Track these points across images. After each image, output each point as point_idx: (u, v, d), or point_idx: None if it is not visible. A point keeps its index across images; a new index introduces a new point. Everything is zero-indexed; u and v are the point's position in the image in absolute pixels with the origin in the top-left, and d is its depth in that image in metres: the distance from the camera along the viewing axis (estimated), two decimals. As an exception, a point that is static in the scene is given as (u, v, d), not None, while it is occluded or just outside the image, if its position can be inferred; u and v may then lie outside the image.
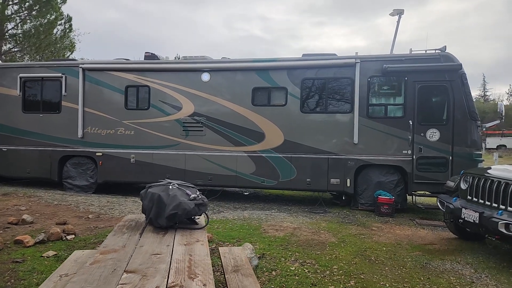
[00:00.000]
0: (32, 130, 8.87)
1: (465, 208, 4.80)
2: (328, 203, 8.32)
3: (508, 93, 62.39)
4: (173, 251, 2.50)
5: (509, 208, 4.31)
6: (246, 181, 7.96)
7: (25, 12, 15.32)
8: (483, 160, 7.53)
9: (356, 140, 7.52)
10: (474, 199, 4.91)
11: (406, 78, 7.39)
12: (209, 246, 4.94)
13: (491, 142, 35.90)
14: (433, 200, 7.63)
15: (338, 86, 7.80)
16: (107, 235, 3.04)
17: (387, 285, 3.80)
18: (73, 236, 5.12)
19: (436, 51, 7.46)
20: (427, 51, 7.54)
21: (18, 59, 16.70)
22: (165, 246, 2.61)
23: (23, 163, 8.91)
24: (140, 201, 3.36)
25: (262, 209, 7.59)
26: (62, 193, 8.51)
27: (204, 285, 1.98)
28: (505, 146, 36.24)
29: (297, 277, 3.91)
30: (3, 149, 9.01)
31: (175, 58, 10.02)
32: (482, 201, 4.74)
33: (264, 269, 4.14)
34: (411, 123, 7.31)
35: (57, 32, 16.83)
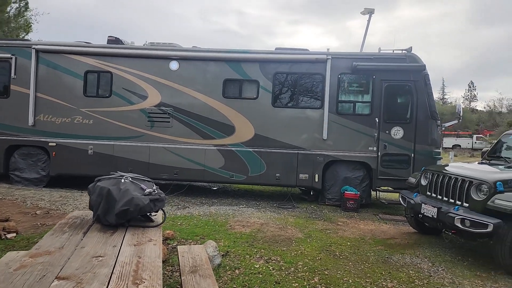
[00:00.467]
0: (-26, 116, 7.97)
1: (425, 204, 4.96)
2: (297, 198, 8.28)
3: (463, 97, 66.82)
4: (120, 252, 2.22)
5: (464, 204, 4.50)
6: (214, 176, 7.70)
7: None
8: (442, 158, 7.82)
9: (325, 136, 7.50)
10: (433, 194, 5.09)
11: (374, 77, 7.48)
12: (170, 244, 4.70)
13: (448, 142, 38.65)
14: (395, 196, 7.82)
15: (309, 82, 7.74)
16: (53, 234, 2.70)
17: (350, 280, 3.83)
18: (15, 234, 4.63)
19: (403, 51, 7.63)
20: (394, 51, 7.66)
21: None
22: (111, 247, 2.32)
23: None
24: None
25: (229, 204, 7.39)
26: (8, 186, 7.75)
27: (150, 291, 1.73)
28: (459, 145, 38.96)
29: (261, 275, 3.81)
30: None
31: (143, 45, 9.38)
32: (440, 197, 4.93)
33: (227, 267, 3.98)
34: (377, 120, 7.43)
35: (10, 10, 15.39)
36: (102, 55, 7.81)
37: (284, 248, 4.66)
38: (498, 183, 4.17)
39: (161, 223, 2.93)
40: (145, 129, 7.75)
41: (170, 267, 3.92)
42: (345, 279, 3.83)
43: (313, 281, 3.73)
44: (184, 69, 7.75)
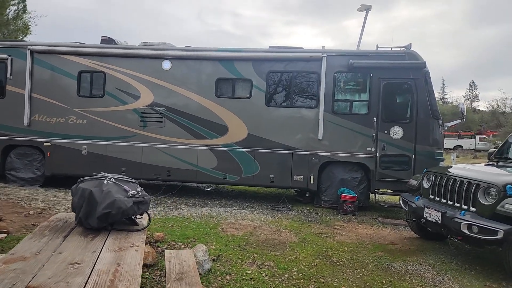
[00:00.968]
0: (-29, 116, 7.97)
1: (428, 208, 4.71)
2: (292, 200, 8.15)
3: (464, 97, 66.34)
4: (98, 259, 2.14)
5: (471, 208, 4.24)
6: (207, 176, 7.60)
7: None
8: (444, 159, 7.65)
9: (320, 136, 7.37)
10: (437, 198, 4.83)
11: (371, 75, 7.33)
12: (160, 247, 4.61)
13: (449, 142, 37.90)
14: (395, 198, 7.67)
15: (304, 80, 7.61)
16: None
17: (348, 289, 3.60)
18: (5, 235, 4.53)
19: (402, 48, 7.46)
20: (393, 48, 7.51)
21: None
22: (89, 253, 2.24)
23: (-41, 152, 7.99)
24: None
25: (222, 206, 7.28)
26: (3, 186, 7.74)
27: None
28: (461, 146, 38.38)
29: (253, 282, 3.62)
30: None
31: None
32: (445, 201, 4.67)
33: (218, 273, 3.82)
34: (375, 120, 7.26)
35: (9, 12, 15.38)
36: (95, 55, 7.78)
37: (278, 253, 4.48)
38: (508, 186, 3.92)
39: (146, 227, 2.86)
40: (138, 129, 7.69)
41: (158, 272, 3.79)
42: (343, 287, 3.65)
43: (308, 289, 3.53)
44: (177, 69, 7.67)
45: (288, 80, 7.63)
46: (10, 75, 7.87)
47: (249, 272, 3.87)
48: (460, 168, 5.09)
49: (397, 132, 7.29)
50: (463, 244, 4.90)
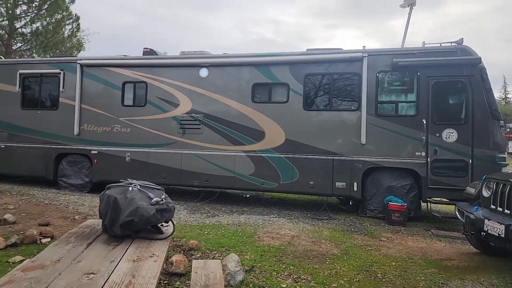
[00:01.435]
0: (30, 127, 8.70)
1: (488, 219, 4.15)
2: (334, 208, 7.73)
3: (531, 96, 59.72)
4: (115, 269, 2.05)
5: None
6: (245, 183, 7.47)
7: (33, 11, 15.43)
8: (508, 164, 6.77)
9: (363, 140, 6.92)
10: (499, 208, 4.25)
11: (418, 73, 6.76)
12: (194, 255, 4.53)
13: (512, 146, 34.00)
14: (451, 208, 6.94)
15: (344, 82, 7.22)
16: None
17: (394, 310, 3.21)
18: (50, 239, 4.75)
19: (452, 44, 6.80)
20: (442, 44, 6.87)
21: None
22: (108, 262, 2.16)
23: (19, 160, 8.74)
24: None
25: (260, 213, 7.08)
26: (56, 191, 8.27)
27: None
28: (527, 150, 34.33)
29: None
30: (1, 146, 8.86)
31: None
32: (508, 211, 4.09)
33: (250, 285, 3.60)
34: (424, 122, 6.66)
35: (65, 31, 16.89)
36: (137, 66, 8.10)
37: (317, 266, 4.16)
38: None
39: (169, 235, 2.75)
40: (177, 136, 7.81)
41: (189, 282, 3.71)
42: (388, 307, 3.24)
43: (349, 308, 3.20)
44: (214, 76, 7.70)
45: (327, 82, 7.29)
46: (63, 88, 8.47)
47: (284, 286, 3.60)
48: None
49: (450, 135, 6.61)
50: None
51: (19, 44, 16.55)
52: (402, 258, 4.64)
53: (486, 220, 4.16)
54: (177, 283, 3.36)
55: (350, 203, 7.40)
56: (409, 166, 6.77)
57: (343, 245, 5.04)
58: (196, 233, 5.30)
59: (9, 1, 14.85)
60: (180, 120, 7.81)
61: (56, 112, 8.57)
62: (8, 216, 5.53)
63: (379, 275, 4.01)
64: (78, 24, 17.15)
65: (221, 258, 4.27)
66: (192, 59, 7.80)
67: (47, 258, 2.17)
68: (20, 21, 15.52)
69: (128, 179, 2.93)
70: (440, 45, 6.86)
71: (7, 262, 3.86)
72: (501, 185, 4.27)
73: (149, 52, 8.37)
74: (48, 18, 15.42)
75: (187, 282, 3.64)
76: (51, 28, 15.67)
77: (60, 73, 8.50)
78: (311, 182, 7.15)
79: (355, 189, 6.97)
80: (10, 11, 14.75)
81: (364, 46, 7.14)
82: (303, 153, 7.20)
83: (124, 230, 2.51)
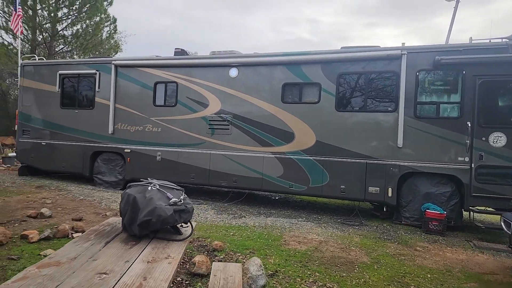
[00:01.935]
0: (68, 126, 9.10)
1: None
2: (366, 214, 7.36)
3: None
4: (128, 270, 1.98)
5: None
6: (273, 185, 7.31)
7: (74, 14, 16.31)
8: None
9: (400, 143, 6.51)
10: None
11: (464, 72, 6.24)
12: (218, 256, 4.45)
13: None
14: (496, 218, 6.36)
15: (380, 82, 6.84)
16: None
17: (429, 328, 2.94)
18: (80, 234, 4.87)
19: (503, 40, 6.20)
20: (492, 40, 6.30)
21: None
22: (122, 262, 2.10)
23: (59, 157, 9.18)
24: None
25: (288, 216, 6.89)
26: (91, 188, 8.58)
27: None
28: None
29: None
30: (42, 143, 9.35)
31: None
32: None
33: (273, 291, 3.48)
34: (469, 125, 6.14)
35: (103, 33, 17.69)
36: (168, 66, 8.21)
37: (344, 274, 3.95)
38: None
39: (187, 237, 2.66)
40: (206, 136, 7.81)
41: (210, 284, 3.62)
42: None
43: (376, 322, 2.99)
44: (243, 76, 7.61)
45: (361, 82, 6.95)
46: (98, 88, 8.78)
47: (308, 293, 3.44)
48: None
49: (498, 139, 6.04)
50: None
51: (61, 46, 17.63)
52: (439, 270, 4.32)
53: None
54: (198, 284, 3.28)
55: (384, 209, 7.00)
56: (450, 172, 6.28)
57: (374, 253, 4.77)
58: (221, 234, 5.24)
59: (52, 5, 15.83)
60: (209, 120, 7.81)
61: (92, 111, 8.91)
62: (44, 210, 5.78)
63: (412, 287, 3.72)
64: (115, 26, 17.96)
65: (244, 260, 4.16)
66: (221, 59, 7.77)
67: (64, 255, 2.15)
68: (62, 24, 16.51)
69: (148, 179, 2.88)
70: (490, 41, 6.30)
71: (39, 255, 3.99)
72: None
73: (180, 52, 8.46)
74: (87, 21, 16.27)
75: (208, 283, 3.55)
76: (90, 30, 16.53)
77: (96, 74, 8.83)
78: (342, 186, 6.84)
79: (390, 194, 6.57)
80: (52, 14, 15.71)
81: (403, 43, 6.72)
82: (334, 156, 6.91)
83: (142, 230, 2.45)
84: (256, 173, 7.39)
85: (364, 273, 4.03)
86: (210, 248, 4.50)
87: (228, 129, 7.65)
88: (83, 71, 8.98)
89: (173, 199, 2.57)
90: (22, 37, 15.27)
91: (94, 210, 6.44)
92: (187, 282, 3.43)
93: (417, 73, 6.50)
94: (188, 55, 8.47)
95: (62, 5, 16.03)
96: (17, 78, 9.80)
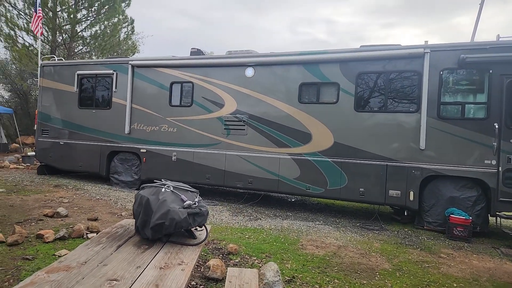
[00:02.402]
0: (86, 125, 9.20)
1: None
2: (387, 218, 7.11)
3: None
4: (139, 277, 1.88)
5: None
6: (289, 187, 7.15)
7: (93, 15, 16.59)
8: None
9: (423, 145, 6.25)
10: None
11: (491, 71, 5.95)
12: (233, 260, 4.34)
13: None
14: (526, 225, 6.01)
15: (401, 81, 6.59)
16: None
17: None
18: (95, 234, 4.85)
19: (534, 37, 5.86)
20: (522, 37, 5.97)
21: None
22: (134, 268, 2.00)
23: (76, 156, 9.29)
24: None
25: (305, 219, 6.72)
26: (107, 187, 8.64)
27: None
28: None
29: None
30: (60, 143, 9.49)
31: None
32: None
33: (290, 298, 3.34)
34: (496, 126, 5.84)
35: (120, 34, 17.93)
36: (184, 66, 8.17)
37: (365, 282, 3.78)
38: None
39: (201, 242, 2.55)
40: (222, 137, 7.73)
41: (225, 288, 3.51)
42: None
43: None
44: (259, 75, 7.49)
45: (381, 81, 6.72)
46: (115, 88, 8.84)
47: (328, 301, 3.28)
48: None
49: (528, 141, 5.71)
50: None
51: (80, 47, 17.97)
52: (465, 279, 4.09)
53: None
54: (213, 289, 3.19)
55: (405, 213, 6.74)
56: (476, 176, 5.99)
57: (395, 260, 4.57)
58: (236, 237, 5.14)
59: (71, 7, 16.16)
60: (225, 120, 7.72)
61: (109, 111, 8.97)
62: (61, 210, 5.81)
63: (438, 297, 3.51)
64: (133, 27, 18.18)
65: (260, 265, 4.04)
66: (237, 59, 7.67)
67: (74, 259, 2.07)
68: (81, 25, 16.80)
69: (162, 180, 2.79)
70: None
71: (54, 255, 3.98)
72: None
73: (196, 52, 8.41)
74: (105, 22, 16.53)
75: (223, 289, 3.44)
76: (108, 31, 16.79)
77: (113, 74, 8.89)
78: (361, 189, 6.62)
79: (412, 198, 6.31)
80: (71, 16, 16.03)
81: (426, 41, 6.45)
82: (353, 158, 6.70)
83: (154, 233, 2.36)
84: (272, 174, 7.25)
85: (386, 280, 3.86)
86: (225, 251, 4.41)
87: (244, 129, 7.55)
88: (100, 71, 9.06)
89: (187, 202, 2.46)
90: (42, 38, 15.64)
91: (110, 210, 6.45)
92: (201, 286, 3.34)
93: (441, 72, 6.23)
94: (204, 55, 8.41)
95: (82, 7, 16.36)
96: (37, 78, 9.99)
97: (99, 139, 9.02)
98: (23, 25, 16.15)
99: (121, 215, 6.16)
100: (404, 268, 4.27)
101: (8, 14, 15.70)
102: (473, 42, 6.56)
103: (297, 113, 7.12)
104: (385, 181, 6.49)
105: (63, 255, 3.92)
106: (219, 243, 4.74)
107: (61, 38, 17.56)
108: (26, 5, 16.13)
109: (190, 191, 2.66)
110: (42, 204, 6.45)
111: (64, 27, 17.05)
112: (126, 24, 17.71)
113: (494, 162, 5.87)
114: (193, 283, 3.38)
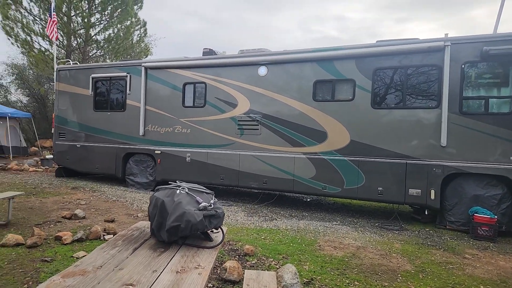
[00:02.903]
0: (101, 128, 9.30)
1: None
2: (406, 217, 6.90)
3: None
4: (156, 282, 1.82)
5: None
6: (305, 186, 7.03)
7: (106, 19, 16.82)
8: None
9: (444, 142, 6.02)
10: None
11: None
12: (249, 261, 4.26)
13: None
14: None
15: (420, 76, 6.37)
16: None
17: None
18: (112, 236, 4.86)
19: None
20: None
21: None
22: (150, 272, 1.94)
23: (92, 159, 9.40)
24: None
25: (322, 219, 6.58)
26: (124, 189, 8.70)
27: None
28: None
29: None
30: (77, 145, 9.63)
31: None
32: None
33: (309, 301, 3.24)
34: (523, 121, 5.56)
35: (133, 36, 18.12)
36: (196, 67, 8.14)
37: (386, 284, 3.65)
38: None
39: (217, 244, 2.48)
40: (235, 137, 7.66)
41: (242, 292, 3.43)
42: None
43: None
44: (272, 74, 7.38)
45: (399, 77, 6.51)
46: (129, 90, 8.90)
47: (348, 304, 3.17)
48: None
49: (557, 136, 5.43)
50: None
51: (94, 51, 18.26)
52: (492, 280, 3.91)
53: None
54: (230, 291, 3.12)
55: (426, 213, 6.52)
56: (501, 173, 5.74)
57: (417, 261, 4.41)
58: (252, 237, 5.06)
59: (85, 11, 16.42)
60: (238, 120, 7.66)
61: (123, 114, 9.04)
62: (78, 212, 5.86)
63: (464, 300, 3.35)
64: (145, 30, 18.34)
65: (277, 266, 3.95)
66: (250, 58, 7.58)
67: (90, 263, 2.03)
68: (95, 29, 17.07)
69: (177, 181, 2.73)
70: None
71: (72, 257, 3.99)
72: None
73: (208, 52, 8.37)
74: (118, 25, 16.72)
75: (240, 291, 3.36)
76: (121, 34, 16.98)
77: (126, 76, 8.95)
78: (380, 188, 6.44)
79: (433, 197, 6.10)
80: (85, 20, 16.29)
81: (446, 34, 6.21)
82: (371, 156, 6.52)
83: (170, 236, 2.30)
84: (287, 174, 7.14)
85: (409, 282, 3.71)
86: (241, 253, 4.33)
87: (258, 129, 7.46)
88: (114, 74, 9.14)
89: (203, 204, 2.40)
90: (58, 43, 15.95)
91: (126, 211, 6.48)
92: (218, 289, 3.27)
93: (463, 66, 5.99)
94: (216, 55, 8.37)
95: (95, 11, 16.61)
96: (54, 83, 10.15)
97: (115, 141, 9.10)
98: (39, 30, 16.50)
99: (137, 216, 6.17)
100: (427, 270, 4.11)
101: (24, 20, 16.06)
102: (496, 34, 6.26)
103: (311, 111, 6.99)
104: (404, 179, 6.29)
105: (81, 257, 3.94)
106: (235, 244, 4.67)
107: (75, 42, 17.90)
108: (41, 10, 16.47)
109: (206, 192, 2.59)
110: (60, 206, 6.53)
111: (78, 31, 17.35)
112: (139, 26, 17.89)
113: (520, 158, 5.62)
114: (209, 285, 3.31)
